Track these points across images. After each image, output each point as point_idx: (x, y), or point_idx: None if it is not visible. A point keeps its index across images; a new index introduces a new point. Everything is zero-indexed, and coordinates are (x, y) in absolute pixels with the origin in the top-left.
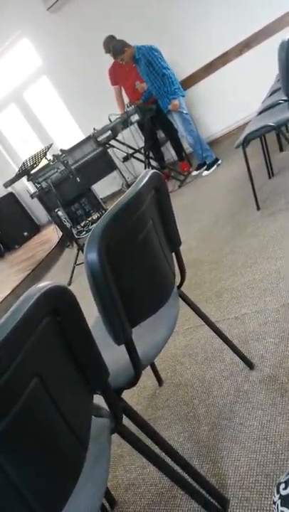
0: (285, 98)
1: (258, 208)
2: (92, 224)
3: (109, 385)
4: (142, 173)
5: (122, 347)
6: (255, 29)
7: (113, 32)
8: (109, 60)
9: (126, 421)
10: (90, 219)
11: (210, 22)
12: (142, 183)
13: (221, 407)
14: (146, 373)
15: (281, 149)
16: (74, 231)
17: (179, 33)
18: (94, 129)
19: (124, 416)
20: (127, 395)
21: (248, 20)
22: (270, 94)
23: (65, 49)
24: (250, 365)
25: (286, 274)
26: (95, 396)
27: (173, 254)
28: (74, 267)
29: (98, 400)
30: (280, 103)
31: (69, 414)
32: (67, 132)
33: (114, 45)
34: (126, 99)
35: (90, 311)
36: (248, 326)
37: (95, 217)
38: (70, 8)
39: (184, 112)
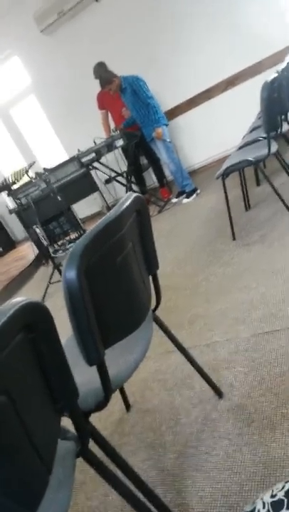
0: (265, 135)
1: (234, 239)
2: (69, 243)
3: (77, 406)
4: (124, 195)
5: (93, 368)
6: (239, 68)
7: (102, 58)
8: (97, 84)
9: (91, 445)
10: (67, 238)
11: (197, 57)
12: (125, 206)
13: (188, 435)
14: (114, 397)
15: (258, 184)
16: (50, 249)
17: (165, 66)
18: (78, 150)
19: (90, 441)
20: (93, 419)
21: (233, 59)
22: (251, 131)
23: (55, 70)
24: (219, 394)
25: (258, 304)
26: (62, 418)
27: (150, 277)
28: (48, 285)
29: (65, 422)
30: (260, 140)
31: (35, 434)
32: (51, 151)
33: (102, 76)
34: (112, 124)
35: (62, 331)
36: (218, 353)
37: (72, 236)
38: (63, 32)
39: (167, 140)
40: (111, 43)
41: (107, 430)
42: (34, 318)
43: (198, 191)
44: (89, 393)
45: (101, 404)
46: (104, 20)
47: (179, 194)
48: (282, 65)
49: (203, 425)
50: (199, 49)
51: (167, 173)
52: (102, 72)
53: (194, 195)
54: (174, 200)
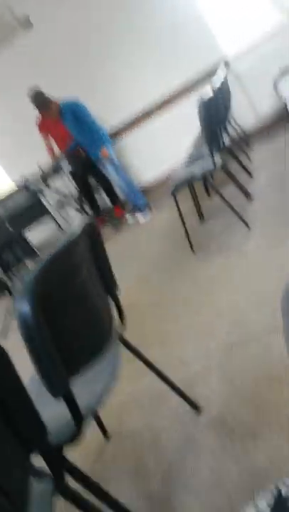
0: (208, 150)
1: (193, 251)
2: (24, 271)
3: (47, 443)
4: (75, 221)
5: (62, 401)
6: (175, 86)
7: (40, 84)
8: (36, 111)
9: (72, 481)
10: (22, 266)
11: (134, 77)
12: (75, 232)
13: (171, 455)
14: (92, 427)
15: (208, 195)
16: (7, 280)
17: (104, 88)
18: (23, 176)
19: (69, 475)
20: (71, 453)
21: (168, 77)
22: (195, 145)
23: None
24: (196, 409)
25: (224, 315)
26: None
27: (112, 299)
28: (7, 318)
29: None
30: (204, 155)
31: (3, 478)
32: None
33: (38, 102)
34: (56, 149)
35: (29, 365)
36: (192, 368)
37: (28, 265)
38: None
39: (114, 159)
40: (47, 68)
41: (88, 462)
42: None
43: (150, 206)
44: (60, 426)
45: (75, 437)
46: (37, 46)
47: (133, 209)
48: (216, 84)
49: (185, 443)
50: (135, 69)
51: (118, 191)
52: (38, 98)
53: (147, 210)
54: (128, 216)
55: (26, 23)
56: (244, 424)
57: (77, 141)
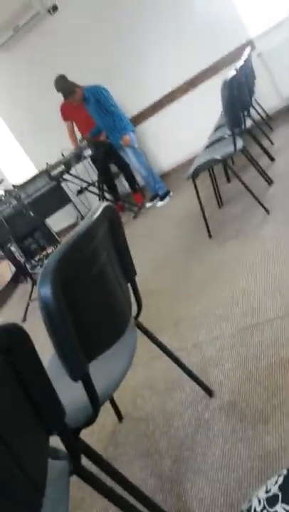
0: (229, 133)
1: (210, 236)
2: (46, 258)
3: (65, 424)
4: (95, 205)
5: (80, 383)
6: (198, 69)
7: (63, 70)
8: (60, 96)
9: (86, 461)
10: (44, 253)
11: (156, 62)
12: (95, 216)
13: (183, 438)
14: (106, 409)
15: (228, 180)
16: (28, 266)
17: (126, 73)
18: (47, 163)
19: (83, 456)
20: (85, 434)
21: (191, 60)
22: (216, 130)
23: (16, 86)
24: (209, 393)
25: (239, 299)
26: (52, 437)
27: (129, 284)
28: (28, 303)
29: (55, 441)
30: (225, 138)
31: (23, 457)
32: (19, 168)
33: (64, 87)
34: (79, 135)
35: (47, 347)
36: (205, 353)
37: (49, 251)
38: (20, 47)
39: (136, 146)
40: (70, 54)
41: (102, 443)
42: (11, 341)
43: (171, 193)
44: (77, 409)
45: (90, 420)
46: (61, 32)
47: (153, 198)
48: (240, 63)
49: (196, 426)
50: (157, 53)
51: (139, 178)
52: (63, 83)
53: (167, 197)
54: (148, 204)
55: (52, 9)
56: (255, 408)
57: (100, 126)
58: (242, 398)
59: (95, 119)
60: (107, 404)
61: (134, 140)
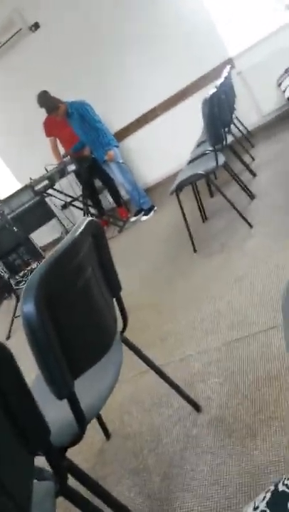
0: (211, 149)
1: (195, 251)
2: (31, 273)
3: (50, 444)
4: (79, 220)
5: (65, 401)
6: (180, 86)
7: (45, 86)
8: (42, 112)
9: (73, 481)
10: (28, 268)
11: (139, 79)
12: (79, 231)
13: (171, 454)
14: (93, 426)
15: (211, 195)
16: (12, 281)
17: (109, 89)
18: (30, 178)
19: (70, 476)
20: (72, 453)
21: (173, 78)
22: (198, 145)
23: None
24: (197, 408)
25: (225, 313)
26: (37, 457)
27: (114, 299)
28: (13, 319)
29: (41, 461)
30: (207, 153)
31: (6, 479)
32: (2, 183)
33: (47, 103)
34: (62, 150)
35: (32, 365)
36: (192, 367)
37: (34, 266)
38: (2, 64)
39: (120, 161)
40: (53, 70)
41: (89, 462)
42: None
43: (156, 208)
44: (63, 428)
45: (77, 438)
46: (43, 49)
47: (138, 212)
48: (220, 81)
49: (185, 443)
50: (140, 71)
51: (123, 193)
52: (46, 99)
53: (152, 212)
54: (133, 218)
55: (34, 26)
56: (243, 422)
57: (84, 141)
58: (230, 413)
59: (79, 134)
60: (94, 422)
61: (118, 155)
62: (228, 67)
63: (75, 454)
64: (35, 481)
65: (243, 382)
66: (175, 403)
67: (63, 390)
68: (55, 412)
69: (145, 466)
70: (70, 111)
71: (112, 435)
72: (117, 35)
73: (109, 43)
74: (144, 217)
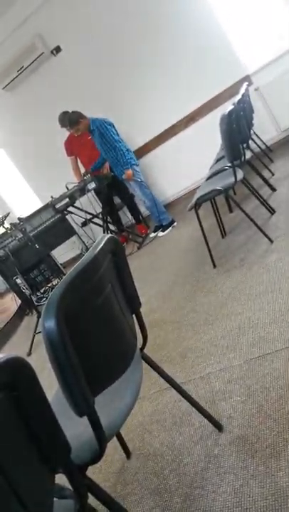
0: (229, 164)
1: (214, 266)
2: (52, 290)
3: (71, 462)
4: (98, 237)
5: (85, 418)
6: (198, 104)
7: (66, 107)
8: (63, 133)
9: (93, 500)
10: (50, 285)
11: (157, 97)
12: (98, 248)
13: (193, 475)
14: (113, 445)
15: (231, 211)
16: (34, 298)
17: (128, 109)
18: (52, 197)
19: (90, 495)
20: (92, 472)
21: (192, 95)
22: (216, 162)
23: (21, 124)
24: (219, 427)
25: (246, 329)
26: (58, 475)
27: (134, 316)
28: (34, 336)
29: (61, 479)
30: (226, 169)
31: (27, 497)
32: (25, 201)
33: (70, 116)
34: (82, 168)
35: (53, 380)
36: (214, 385)
37: (55, 282)
38: (24, 87)
39: (139, 179)
40: (74, 91)
41: (109, 481)
42: (15, 375)
43: (175, 224)
44: (83, 446)
45: (97, 456)
46: (65, 70)
47: (157, 228)
48: (238, 97)
49: (206, 463)
50: (158, 89)
51: (142, 209)
52: (70, 114)
53: (170, 227)
54: (152, 234)
55: (56, 50)
56: (267, 442)
57: (103, 158)
58: (252, 432)
59: (100, 151)
60: (114, 440)
61: (138, 173)
62: (245, 84)
63: (95, 473)
64: (55, 499)
65: (265, 400)
66: (196, 422)
67: (84, 406)
68: (74, 430)
69: (166, 487)
70: (91, 127)
71: (133, 454)
72: (136, 56)
73: (129, 64)
74: (162, 233)
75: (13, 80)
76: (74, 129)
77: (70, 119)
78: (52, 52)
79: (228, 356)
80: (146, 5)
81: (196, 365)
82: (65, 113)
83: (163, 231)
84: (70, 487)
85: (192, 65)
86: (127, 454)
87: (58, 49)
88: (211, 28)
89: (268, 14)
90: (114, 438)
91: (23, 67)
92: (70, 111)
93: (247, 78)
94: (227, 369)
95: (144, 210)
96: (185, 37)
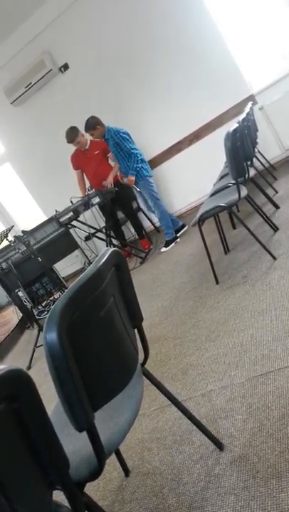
0: (233, 182)
1: (217, 282)
2: (53, 303)
3: (69, 478)
4: (101, 252)
5: (84, 434)
6: (204, 122)
7: (72, 123)
8: (69, 148)
9: None
10: (51, 298)
11: (162, 115)
12: (102, 261)
13: (192, 495)
14: (112, 463)
15: (234, 227)
16: (35, 311)
17: (135, 126)
18: (56, 210)
19: None
20: (91, 489)
21: (197, 113)
22: (220, 178)
23: (27, 138)
24: (219, 446)
25: (248, 346)
26: (55, 492)
27: (136, 330)
28: (34, 350)
29: (59, 495)
30: (229, 186)
31: None
32: (29, 214)
33: (88, 120)
34: (87, 183)
35: (52, 395)
36: (215, 403)
37: (56, 296)
38: (32, 102)
39: (153, 191)
40: (80, 107)
41: (107, 500)
42: (15, 388)
43: (178, 240)
44: (81, 462)
45: (96, 473)
46: (72, 87)
47: (165, 243)
48: (242, 116)
49: (207, 482)
50: (164, 108)
51: (146, 224)
52: (88, 118)
53: (173, 243)
54: (163, 249)
55: (64, 67)
56: (268, 462)
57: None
58: (254, 452)
59: (117, 159)
60: (113, 458)
61: (152, 185)
62: (249, 103)
63: (93, 491)
64: None
65: (267, 419)
66: (197, 440)
67: (83, 422)
68: (73, 445)
69: (165, 506)
70: (106, 136)
71: (132, 472)
72: (143, 75)
73: (135, 83)
74: (164, 249)
75: (21, 95)
76: (89, 133)
77: (88, 123)
78: (60, 69)
79: (230, 374)
80: (153, 24)
81: (198, 382)
82: (72, 128)
83: (166, 246)
84: (67, 504)
85: (198, 84)
86: (126, 471)
87: (66, 66)
88: (217, 49)
89: (273, 34)
90: (113, 455)
91: (31, 83)
92: (77, 127)
93: (251, 97)
94: (229, 387)
95: (147, 225)
96: (192, 57)
